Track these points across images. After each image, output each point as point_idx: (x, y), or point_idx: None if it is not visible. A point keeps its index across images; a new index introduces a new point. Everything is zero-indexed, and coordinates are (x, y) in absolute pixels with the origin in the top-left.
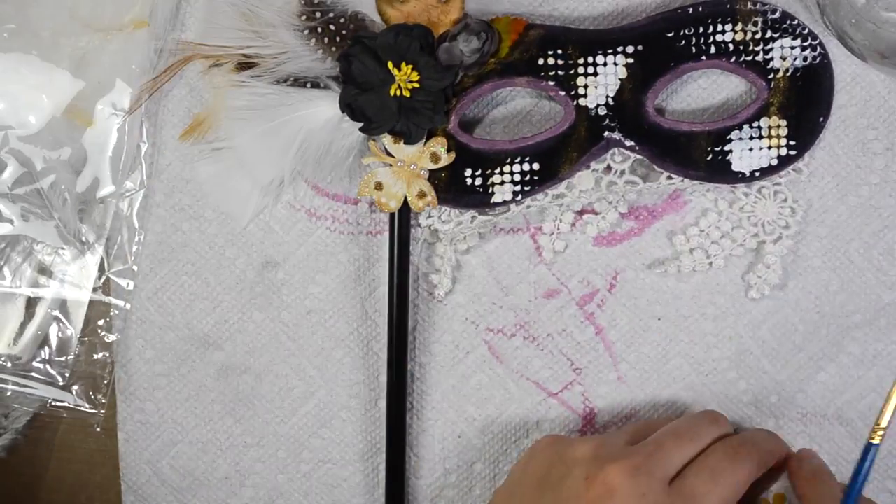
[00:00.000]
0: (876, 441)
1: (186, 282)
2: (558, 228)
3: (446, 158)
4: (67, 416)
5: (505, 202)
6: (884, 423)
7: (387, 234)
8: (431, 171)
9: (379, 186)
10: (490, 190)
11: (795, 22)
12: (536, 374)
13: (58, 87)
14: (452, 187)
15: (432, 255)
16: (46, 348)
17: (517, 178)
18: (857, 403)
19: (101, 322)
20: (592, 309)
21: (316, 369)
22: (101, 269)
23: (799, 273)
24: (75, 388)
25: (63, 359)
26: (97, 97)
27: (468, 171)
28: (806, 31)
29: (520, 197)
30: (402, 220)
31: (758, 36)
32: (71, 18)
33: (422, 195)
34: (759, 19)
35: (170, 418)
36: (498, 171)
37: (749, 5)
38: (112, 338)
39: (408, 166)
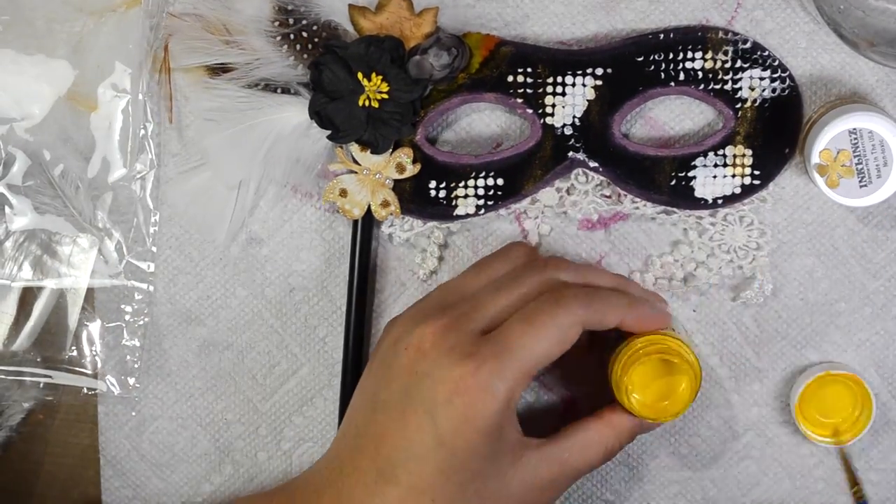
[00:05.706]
0: None
1: (170, 256)
2: (543, 212)
3: (412, 169)
4: (101, 402)
5: (468, 215)
6: None
7: None
8: (396, 182)
9: (343, 193)
10: (453, 203)
11: (766, 53)
12: None
13: (58, 75)
14: (416, 198)
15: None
16: (74, 338)
17: (481, 192)
18: None
19: (126, 307)
20: None
21: (299, 347)
22: (120, 254)
23: (783, 260)
24: (108, 375)
25: (92, 347)
26: (98, 81)
27: (433, 184)
28: (776, 63)
29: (483, 211)
30: (365, 228)
31: (727, 65)
32: (63, 4)
33: (385, 204)
34: (730, 49)
35: (150, 393)
36: (462, 184)
37: (720, 34)
38: (140, 321)
39: (373, 175)
